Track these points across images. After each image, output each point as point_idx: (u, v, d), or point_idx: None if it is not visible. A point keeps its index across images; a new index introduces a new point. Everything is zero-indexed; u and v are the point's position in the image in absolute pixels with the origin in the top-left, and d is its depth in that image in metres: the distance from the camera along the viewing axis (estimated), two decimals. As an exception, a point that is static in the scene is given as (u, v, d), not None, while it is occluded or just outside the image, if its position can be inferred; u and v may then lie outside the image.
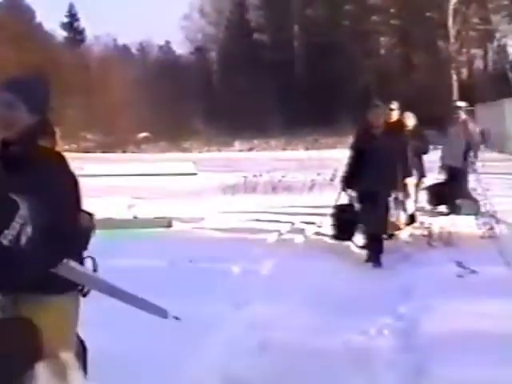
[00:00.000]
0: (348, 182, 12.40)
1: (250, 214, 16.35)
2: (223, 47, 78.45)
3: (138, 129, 62.92)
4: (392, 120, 13.55)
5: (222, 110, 68.18)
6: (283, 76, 66.37)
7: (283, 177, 23.13)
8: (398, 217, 13.21)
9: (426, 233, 13.04)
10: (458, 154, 15.87)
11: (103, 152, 55.26)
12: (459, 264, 9.96)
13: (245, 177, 22.83)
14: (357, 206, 12.32)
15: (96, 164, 31.50)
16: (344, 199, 12.65)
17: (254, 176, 23.27)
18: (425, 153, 15.40)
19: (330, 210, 12.96)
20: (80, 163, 26.26)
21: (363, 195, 12.11)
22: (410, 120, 15.04)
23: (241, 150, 53.27)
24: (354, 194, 12.39)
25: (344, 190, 12.54)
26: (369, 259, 11.86)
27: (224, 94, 72.88)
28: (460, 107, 16.95)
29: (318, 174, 21.98)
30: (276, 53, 70.25)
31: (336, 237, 12.79)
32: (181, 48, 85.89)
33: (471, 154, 16.33)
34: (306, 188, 21.36)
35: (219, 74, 79.35)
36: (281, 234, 13.93)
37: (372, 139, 11.88)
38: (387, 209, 12.23)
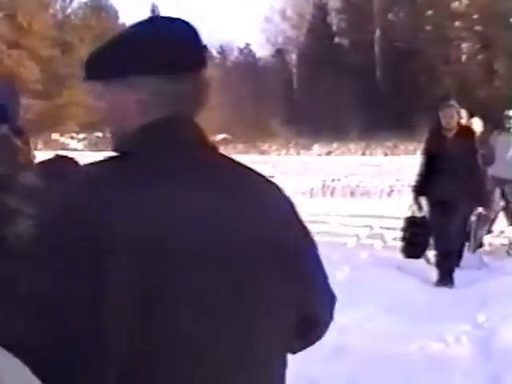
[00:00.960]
0: (420, 190, 11.11)
1: (328, 217, 16.41)
2: (304, 50, 78.42)
3: (217, 130, 63.27)
4: (463, 124, 11.47)
5: (301, 112, 68.22)
6: (363, 80, 66.12)
7: (361, 182, 23.17)
8: (481, 238, 12.60)
9: (505, 242, 12.94)
10: None
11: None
12: (538, 274, 9.92)
13: (323, 181, 22.92)
14: (430, 217, 11.03)
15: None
16: (416, 210, 11.27)
17: (333, 180, 23.33)
18: (490, 163, 12.97)
19: (401, 223, 11.46)
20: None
21: (437, 205, 10.81)
22: (478, 126, 13.23)
23: (319, 154, 53.27)
24: (426, 203, 11.12)
25: (416, 199, 11.18)
26: (440, 280, 10.68)
27: (304, 96, 72.89)
28: None
29: (397, 180, 21.98)
30: (357, 57, 70.04)
31: (406, 253, 11.29)
32: (261, 50, 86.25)
33: None
34: (384, 193, 21.37)
35: (299, 77, 79.29)
36: (359, 239, 13.97)
37: (445, 142, 10.70)
38: (465, 223, 11.34)
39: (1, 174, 2.77)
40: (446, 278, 10.65)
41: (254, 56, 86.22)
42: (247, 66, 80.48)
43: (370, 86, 67.96)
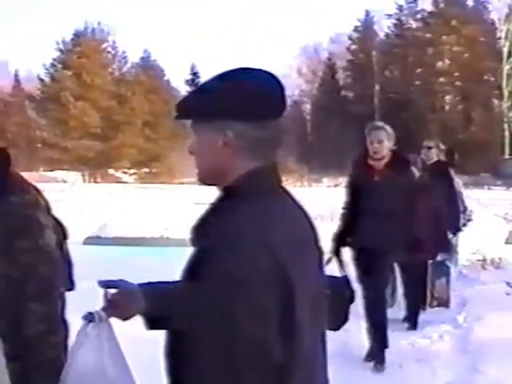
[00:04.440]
0: (342, 238, 7.01)
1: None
2: (316, 101, 78.52)
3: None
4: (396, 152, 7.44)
5: (313, 152, 68.31)
6: (364, 125, 66.07)
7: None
8: (442, 288, 9.19)
9: (480, 258, 12.90)
10: None
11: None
12: (508, 284, 9.89)
13: (332, 207, 22.88)
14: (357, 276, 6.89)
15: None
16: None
17: (342, 208, 23.30)
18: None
19: None
20: (195, 193, 26.42)
21: (360, 258, 7.01)
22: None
23: (328, 186, 53.15)
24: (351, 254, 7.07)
25: (336, 251, 6.69)
26: (370, 355, 7.04)
27: (315, 139, 72.96)
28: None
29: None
30: (359, 106, 69.99)
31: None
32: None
33: None
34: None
35: (312, 123, 79.34)
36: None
37: (372, 175, 7.04)
38: (386, 278, 7.46)
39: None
40: (377, 356, 6.96)
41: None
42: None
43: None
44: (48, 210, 2.78)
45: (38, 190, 2.77)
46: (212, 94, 1.99)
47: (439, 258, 8.87)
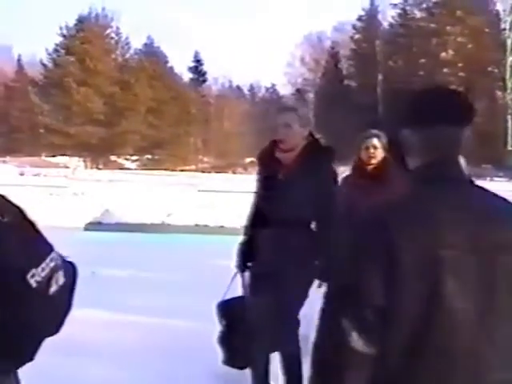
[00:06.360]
0: (245, 256, 5.55)
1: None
2: (319, 90, 78.43)
3: (246, 154, 63.34)
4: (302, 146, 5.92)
5: (315, 141, 68.30)
6: (367, 115, 65.96)
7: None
8: None
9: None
10: None
11: (217, 172, 55.74)
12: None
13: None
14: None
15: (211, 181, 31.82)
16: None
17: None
18: None
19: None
20: (197, 181, 26.41)
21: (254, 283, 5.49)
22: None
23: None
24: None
25: (241, 268, 5.56)
26: None
27: (318, 127, 72.40)
28: None
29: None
30: (363, 96, 69.93)
31: (226, 362, 5.46)
32: (284, 90, 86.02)
33: None
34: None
35: (315, 112, 79.21)
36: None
37: (276, 179, 5.50)
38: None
39: None
40: None
41: (277, 94, 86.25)
42: (272, 102, 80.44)
43: (374, 121, 67.82)
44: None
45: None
46: (414, 104, 2.53)
47: None
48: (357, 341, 2.12)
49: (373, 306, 2.11)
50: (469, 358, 2.14)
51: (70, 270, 2.44)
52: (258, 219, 5.43)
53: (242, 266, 5.51)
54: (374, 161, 6.42)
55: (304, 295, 5.24)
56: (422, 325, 2.11)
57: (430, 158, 2.37)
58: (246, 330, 5.14)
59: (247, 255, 5.50)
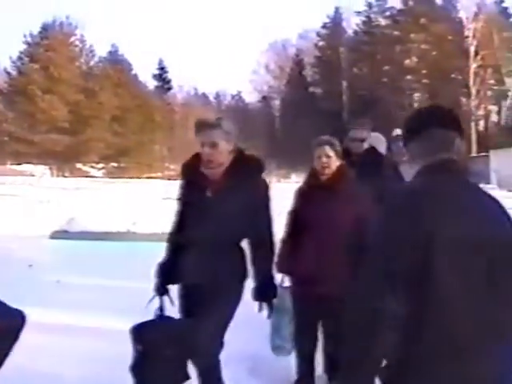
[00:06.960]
0: (164, 271, 5.13)
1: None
2: (284, 97, 78.79)
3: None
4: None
5: (281, 148, 68.41)
6: (332, 122, 66.38)
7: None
8: None
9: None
10: None
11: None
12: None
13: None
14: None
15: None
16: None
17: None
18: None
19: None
20: (163, 188, 26.39)
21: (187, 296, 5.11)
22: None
23: (296, 182, 53.28)
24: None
25: (160, 291, 5.05)
26: None
27: (284, 135, 73.06)
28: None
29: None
30: (327, 103, 70.39)
31: None
32: (249, 97, 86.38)
33: None
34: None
35: (281, 119, 79.56)
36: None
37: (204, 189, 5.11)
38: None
39: None
40: None
41: (243, 101, 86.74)
42: (238, 109, 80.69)
43: (338, 127, 68.12)
44: None
45: None
46: (421, 114, 3.22)
47: None
48: (391, 303, 2.48)
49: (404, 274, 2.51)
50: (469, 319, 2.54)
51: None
52: (181, 238, 5.09)
53: (161, 289, 5.03)
54: (327, 171, 5.88)
55: (228, 318, 4.88)
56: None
57: (431, 159, 2.83)
58: (162, 356, 4.67)
59: (167, 277, 5.06)
